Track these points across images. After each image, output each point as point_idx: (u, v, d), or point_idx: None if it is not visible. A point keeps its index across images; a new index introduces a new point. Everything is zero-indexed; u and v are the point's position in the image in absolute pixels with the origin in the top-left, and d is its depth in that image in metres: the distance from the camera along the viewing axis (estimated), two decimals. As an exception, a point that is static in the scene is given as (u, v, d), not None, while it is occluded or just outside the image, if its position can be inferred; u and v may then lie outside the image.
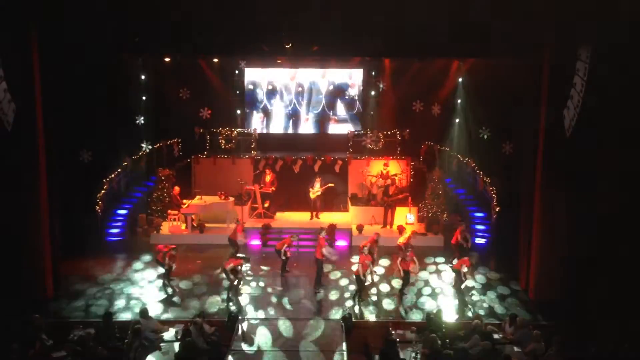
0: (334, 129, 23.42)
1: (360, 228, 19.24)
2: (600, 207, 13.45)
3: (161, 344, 12.11)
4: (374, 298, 14.93)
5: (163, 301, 14.61)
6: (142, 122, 21.98)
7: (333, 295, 15.10)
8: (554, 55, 14.24)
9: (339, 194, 21.39)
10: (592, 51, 13.18)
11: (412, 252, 15.26)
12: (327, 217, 20.07)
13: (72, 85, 17.15)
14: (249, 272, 16.51)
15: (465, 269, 14.71)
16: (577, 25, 13.40)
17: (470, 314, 14.03)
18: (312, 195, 20.34)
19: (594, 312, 13.17)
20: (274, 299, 14.85)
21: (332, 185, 20.53)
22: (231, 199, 20.10)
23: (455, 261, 15.49)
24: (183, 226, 19.38)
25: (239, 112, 23.41)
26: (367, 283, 15.01)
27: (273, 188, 20.46)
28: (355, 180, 21.53)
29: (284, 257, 16.17)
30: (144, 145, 21.94)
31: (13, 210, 13.96)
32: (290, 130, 23.54)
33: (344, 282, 15.97)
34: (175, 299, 14.75)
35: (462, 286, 14.97)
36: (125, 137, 20.44)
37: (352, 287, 15.43)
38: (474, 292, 15.32)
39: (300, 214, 20.66)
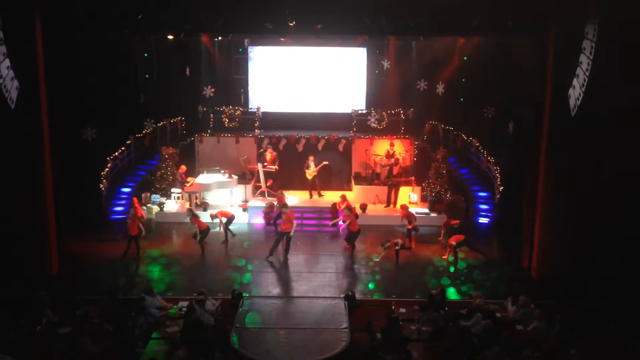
0: (338, 107, 23.28)
1: (363, 207, 19.25)
2: (604, 186, 13.41)
3: (165, 321, 12.22)
4: (377, 277, 15.02)
5: (167, 278, 14.72)
6: (146, 100, 21.92)
7: (336, 274, 15.18)
8: (560, 33, 14.10)
9: (336, 171, 21.34)
10: (598, 29, 13.04)
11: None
12: (331, 196, 20.08)
13: (76, 63, 17.09)
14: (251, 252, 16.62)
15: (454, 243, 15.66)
16: (583, 2, 13.25)
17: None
18: (309, 176, 20.33)
19: (596, 291, 13.21)
20: (277, 278, 14.92)
21: (327, 163, 20.49)
22: (235, 177, 20.13)
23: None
24: (187, 204, 19.43)
25: (242, 90, 23.31)
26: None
27: (275, 167, 20.47)
28: (358, 159, 21.49)
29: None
30: (147, 123, 21.93)
31: (18, 188, 14.00)
32: (294, 109, 23.41)
33: (348, 261, 16.05)
34: (179, 276, 14.87)
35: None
36: (129, 115, 20.43)
37: (355, 266, 15.57)
38: (476, 270, 15.42)
39: (303, 193, 20.68)
